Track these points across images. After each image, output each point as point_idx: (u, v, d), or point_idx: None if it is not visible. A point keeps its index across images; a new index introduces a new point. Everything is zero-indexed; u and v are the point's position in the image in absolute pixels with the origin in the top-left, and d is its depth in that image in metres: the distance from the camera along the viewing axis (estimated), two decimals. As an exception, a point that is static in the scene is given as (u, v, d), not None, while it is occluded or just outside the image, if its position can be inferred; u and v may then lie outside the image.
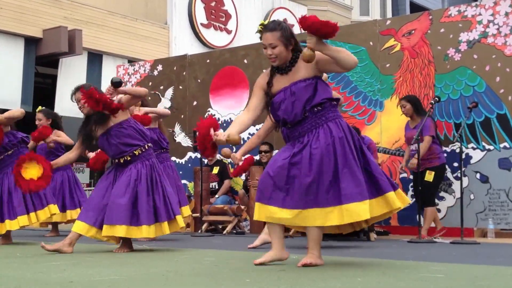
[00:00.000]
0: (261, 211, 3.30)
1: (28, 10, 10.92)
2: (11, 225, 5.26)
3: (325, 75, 4.34)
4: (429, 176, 5.52)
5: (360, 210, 3.13)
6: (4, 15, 10.58)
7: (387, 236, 6.07)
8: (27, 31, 10.95)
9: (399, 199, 3.27)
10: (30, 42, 11.09)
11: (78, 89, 4.42)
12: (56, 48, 10.96)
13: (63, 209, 6.58)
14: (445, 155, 5.78)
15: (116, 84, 4.31)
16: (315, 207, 3.20)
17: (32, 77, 11.20)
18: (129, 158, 4.35)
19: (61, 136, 6.34)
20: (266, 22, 3.41)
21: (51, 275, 3.05)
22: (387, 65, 6.42)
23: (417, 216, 5.39)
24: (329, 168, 3.19)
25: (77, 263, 3.63)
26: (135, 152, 4.35)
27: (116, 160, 4.40)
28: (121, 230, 4.22)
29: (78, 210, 6.48)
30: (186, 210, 5.79)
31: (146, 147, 4.42)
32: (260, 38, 3.41)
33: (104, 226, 4.25)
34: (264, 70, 3.60)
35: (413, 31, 6.29)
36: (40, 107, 6.50)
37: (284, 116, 3.34)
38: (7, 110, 5.96)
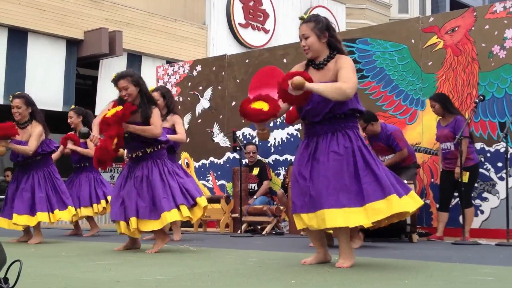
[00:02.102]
0: (297, 222, 3.39)
1: (70, 12, 11.14)
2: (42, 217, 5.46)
3: None
4: (465, 177, 5.41)
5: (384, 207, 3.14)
6: (47, 17, 10.83)
7: (425, 237, 5.96)
8: (69, 33, 11.18)
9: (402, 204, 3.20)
10: (72, 44, 11.32)
11: (121, 76, 4.46)
12: (97, 50, 11.15)
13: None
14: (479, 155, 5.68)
15: (84, 135, 4.63)
16: (337, 208, 3.19)
17: (74, 78, 11.43)
18: (140, 154, 4.49)
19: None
20: (307, 16, 3.43)
21: (98, 275, 3.10)
22: (429, 63, 6.30)
23: (460, 217, 5.28)
24: (349, 170, 3.21)
25: (123, 263, 3.68)
26: (147, 149, 4.48)
27: (129, 155, 4.57)
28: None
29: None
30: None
31: (159, 147, 4.55)
32: None
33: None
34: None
35: (456, 28, 6.15)
36: (72, 106, 6.69)
37: (307, 114, 3.37)
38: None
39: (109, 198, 6.49)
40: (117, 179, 4.65)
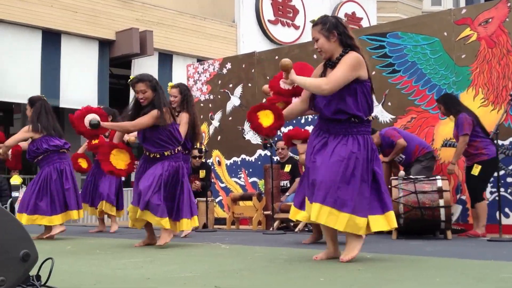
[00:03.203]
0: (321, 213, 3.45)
1: (101, 13, 11.30)
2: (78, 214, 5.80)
3: None
4: (475, 170, 5.41)
5: (360, 223, 3.30)
6: (79, 18, 11.01)
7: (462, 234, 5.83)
8: (101, 34, 11.34)
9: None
10: (104, 45, 11.48)
11: (140, 80, 4.61)
12: (129, 50, 11.29)
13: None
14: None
15: (94, 126, 4.92)
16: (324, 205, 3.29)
17: (107, 78, 11.60)
18: (158, 156, 4.64)
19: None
20: (316, 19, 3.54)
21: (129, 272, 3.14)
22: (463, 56, 6.15)
23: (497, 213, 5.14)
24: (346, 175, 3.30)
25: (153, 260, 3.71)
26: (165, 152, 4.65)
27: (147, 153, 4.71)
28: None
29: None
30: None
31: (176, 151, 4.70)
32: None
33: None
34: None
35: (490, 20, 5.99)
36: (102, 106, 6.81)
37: (320, 110, 3.48)
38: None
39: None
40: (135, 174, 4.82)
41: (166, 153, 4.65)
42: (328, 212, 3.27)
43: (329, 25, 3.43)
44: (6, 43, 10.35)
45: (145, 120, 4.56)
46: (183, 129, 5.44)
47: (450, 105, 5.65)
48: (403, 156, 5.96)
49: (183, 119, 5.55)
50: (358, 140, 3.37)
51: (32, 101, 5.86)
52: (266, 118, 3.62)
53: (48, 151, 5.75)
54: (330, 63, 3.48)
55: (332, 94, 3.36)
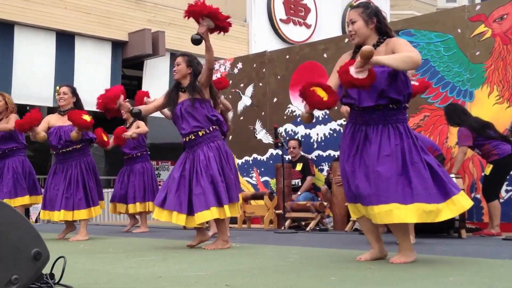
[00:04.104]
0: (352, 211, 3.41)
1: (114, 14, 11.36)
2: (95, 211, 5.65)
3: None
4: (487, 169, 5.41)
5: (432, 212, 3.11)
6: (92, 20, 11.08)
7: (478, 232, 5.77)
8: (114, 35, 11.40)
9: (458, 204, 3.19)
10: (117, 46, 11.54)
11: (181, 54, 4.63)
12: (141, 51, 11.34)
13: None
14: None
15: (136, 114, 4.58)
16: (393, 202, 3.11)
17: (120, 79, 11.65)
18: (193, 137, 4.36)
19: (141, 127, 6.69)
20: (356, 3, 3.42)
21: (141, 270, 3.14)
22: (477, 53, 6.08)
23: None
24: (398, 167, 3.15)
25: (165, 258, 3.71)
26: (199, 132, 4.36)
27: (183, 139, 4.42)
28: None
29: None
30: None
31: (211, 129, 4.39)
32: None
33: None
34: None
35: (505, 16, 5.91)
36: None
37: (353, 99, 3.29)
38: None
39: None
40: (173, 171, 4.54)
41: (200, 133, 4.35)
42: (395, 208, 3.10)
43: (371, 11, 3.32)
44: (21, 45, 10.44)
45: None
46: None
47: (451, 116, 5.64)
48: None
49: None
50: (399, 130, 3.23)
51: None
52: (322, 93, 3.28)
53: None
54: None
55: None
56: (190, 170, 4.33)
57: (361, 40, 3.31)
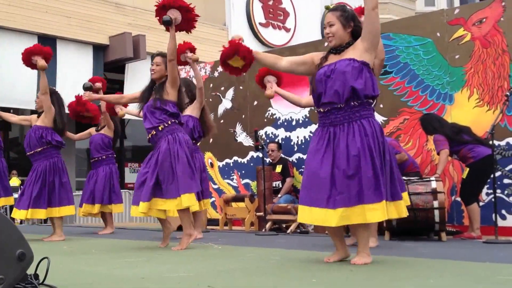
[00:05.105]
0: (305, 214, 3.33)
1: (94, 18, 11.28)
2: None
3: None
4: (464, 173, 5.52)
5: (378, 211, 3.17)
6: (73, 24, 10.98)
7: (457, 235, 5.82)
8: (95, 39, 11.32)
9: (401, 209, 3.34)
10: (98, 49, 11.46)
11: (159, 54, 4.71)
12: (122, 54, 11.28)
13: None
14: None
15: (87, 89, 5.05)
16: (358, 205, 3.17)
17: (101, 83, 11.55)
18: (154, 133, 4.53)
19: (109, 128, 6.97)
20: (333, 5, 3.53)
21: (124, 271, 3.11)
22: (456, 57, 6.14)
23: (493, 215, 5.11)
24: (368, 166, 3.19)
25: (149, 260, 3.70)
26: (159, 127, 4.52)
27: (148, 136, 4.62)
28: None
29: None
30: (206, 204, 5.70)
31: (169, 123, 4.53)
32: None
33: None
34: None
35: (484, 20, 5.99)
36: None
37: (320, 92, 3.37)
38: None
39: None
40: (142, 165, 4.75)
41: (160, 127, 4.52)
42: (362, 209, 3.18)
43: (349, 15, 3.43)
44: (3, 49, 10.31)
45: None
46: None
47: (425, 125, 5.82)
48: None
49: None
50: (364, 127, 3.27)
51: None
52: (237, 62, 3.72)
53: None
54: (336, 50, 3.43)
55: (333, 75, 3.31)
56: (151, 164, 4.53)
57: (336, 42, 3.42)
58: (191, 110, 5.82)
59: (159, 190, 4.42)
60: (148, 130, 4.58)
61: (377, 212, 3.15)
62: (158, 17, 4.55)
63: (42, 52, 5.67)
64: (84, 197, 6.99)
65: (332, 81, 3.30)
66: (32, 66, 5.73)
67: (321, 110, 3.38)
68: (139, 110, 4.75)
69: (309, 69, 3.56)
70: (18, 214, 5.67)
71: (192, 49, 5.79)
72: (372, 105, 3.38)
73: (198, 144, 6.03)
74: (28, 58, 5.67)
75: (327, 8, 3.52)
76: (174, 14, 4.53)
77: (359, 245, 3.34)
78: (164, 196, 4.39)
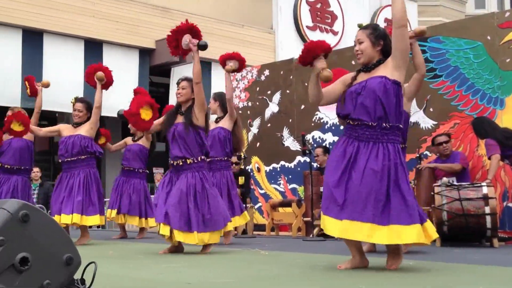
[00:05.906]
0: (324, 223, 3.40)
1: (141, 22, 11.51)
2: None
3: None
4: None
5: (408, 234, 3.13)
6: (120, 28, 11.24)
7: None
8: (141, 43, 11.55)
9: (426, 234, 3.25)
10: (144, 53, 11.68)
11: (185, 79, 4.74)
12: (168, 58, 11.44)
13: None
14: None
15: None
16: (366, 222, 3.18)
17: (147, 86, 11.76)
18: (181, 163, 4.52)
19: (148, 139, 7.19)
20: (365, 24, 3.61)
21: (168, 276, 3.16)
22: (507, 60, 5.98)
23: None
24: (382, 188, 3.19)
25: (193, 265, 3.73)
26: (187, 160, 4.51)
27: (172, 162, 4.59)
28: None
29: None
30: (235, 221, 5.63)
31: (199, 159, 4.55)
32: None
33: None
34: None
35: (536, 22, 5.81)
36: None
37: (350, 108, 3.36)
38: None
39: None
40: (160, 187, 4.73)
41: (188, 161, 4.53)
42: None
43: (379, 33, 3.45)
44: (50, 53, 10.63)
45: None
46: None
47: (477, 129, 5.70)
48: (453, 179, 5.80)
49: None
50: (388, 149, 3.27)
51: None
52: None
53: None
54: (366, 68, 3.45)
55: (364, 92, 3.32)
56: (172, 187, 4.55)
57: (365, 60, 3.45)
58: (223, 123, 5.76)
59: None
60: (175, 158, 4.57)
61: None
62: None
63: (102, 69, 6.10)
64: (120, 206, 7.02)
65: (363, 98, 3.32)
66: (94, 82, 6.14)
67: (350, 122, 3.39)
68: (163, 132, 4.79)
69: (343, 90, 3.53)
70: (65, 219, 5.69)
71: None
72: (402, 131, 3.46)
73: (230, 159, 5.88)
74: (91, 77, 5.93)
75: (359, 26, 3.57)
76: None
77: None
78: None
